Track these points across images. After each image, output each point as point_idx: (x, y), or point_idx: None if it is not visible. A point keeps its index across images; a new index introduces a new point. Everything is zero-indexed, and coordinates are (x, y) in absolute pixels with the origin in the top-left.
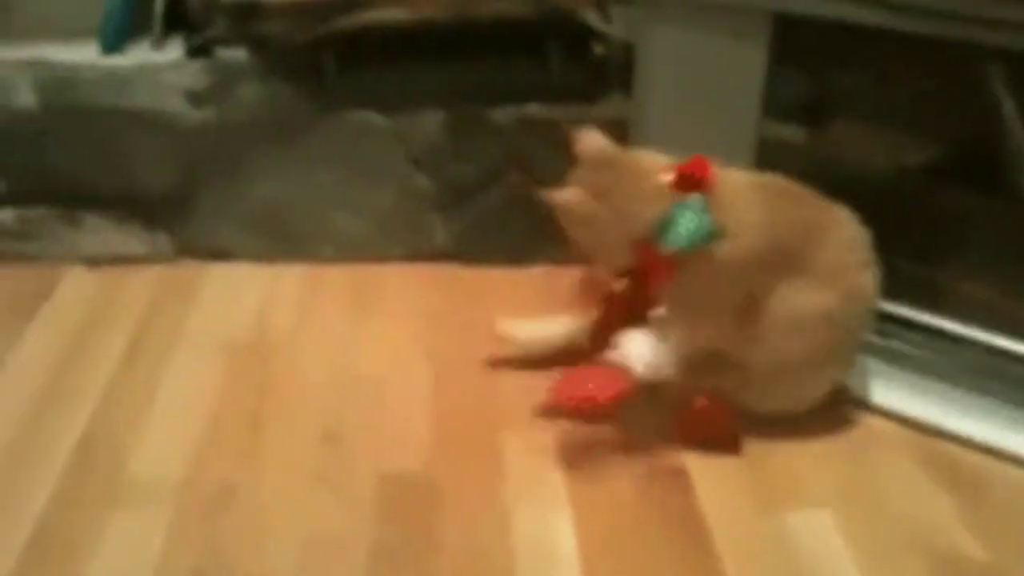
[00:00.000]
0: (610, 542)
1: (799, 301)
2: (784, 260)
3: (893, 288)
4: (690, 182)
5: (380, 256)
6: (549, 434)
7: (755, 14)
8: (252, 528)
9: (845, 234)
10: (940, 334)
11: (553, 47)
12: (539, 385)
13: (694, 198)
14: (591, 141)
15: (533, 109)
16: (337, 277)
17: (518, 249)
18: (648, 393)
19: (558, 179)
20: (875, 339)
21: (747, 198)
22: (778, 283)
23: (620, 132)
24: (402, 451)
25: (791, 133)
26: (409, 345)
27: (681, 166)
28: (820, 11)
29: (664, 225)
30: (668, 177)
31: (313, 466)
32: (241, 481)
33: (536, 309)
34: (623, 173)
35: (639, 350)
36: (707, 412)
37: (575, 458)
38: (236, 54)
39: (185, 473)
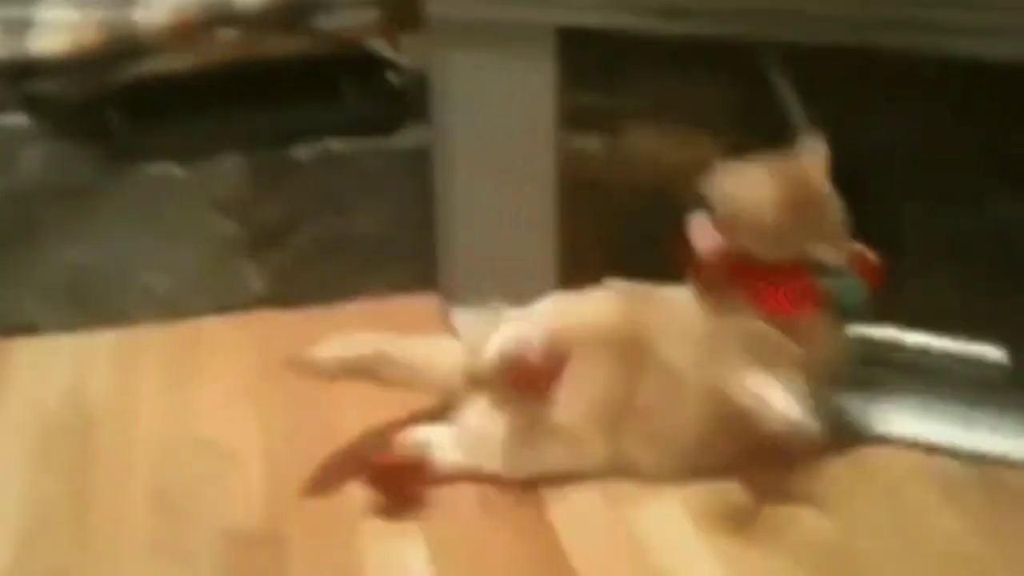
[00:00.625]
0: (466, 570)
1: None
2: None
3: None
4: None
5: (196, 312)
6: None
7: (539, 29)
8: None
9: None
10: None
11: (347, 81)
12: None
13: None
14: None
15: (334, 145)
16: (153, 340)
17: (335, 286)
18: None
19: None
20: None
21: None
22: None
23: (423, 162)
24: (242, 507)
25: (590, 144)
26: (236, 401)
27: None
28: (600, 22)
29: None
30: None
31: (147, 534)
32: (73, 562)
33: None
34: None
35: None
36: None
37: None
38: (16, 119)
39: (11, 563)
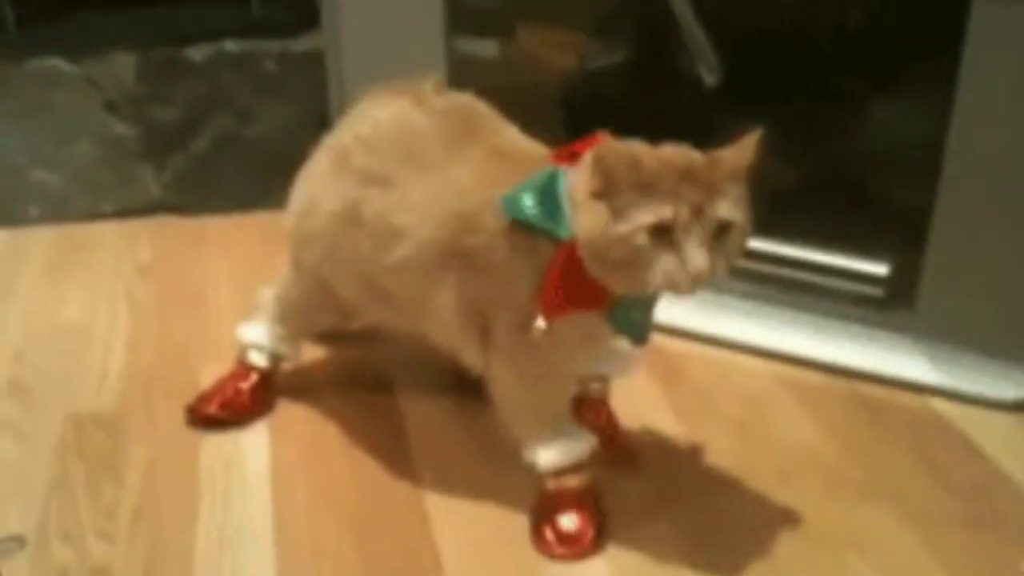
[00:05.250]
0: (306, 459)
1: None
2: None
3: None
4: None
5: (91, 213)
6: None
7: None
8: None
9: None
10: None
11: None
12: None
13: None
14: None
15: (231, 46)
16: (42, 239)
17: (236, 196)
18: None
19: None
20: None
21: None
22: None
23: (321, 66)
24: (92, 394)
25: (482, 47)
26: (111, 297)
27: None
28: None
29: None
30: None
31: None
32: None
33: (256, 256)
34: None
35: None
36: None
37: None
38: None
39: None
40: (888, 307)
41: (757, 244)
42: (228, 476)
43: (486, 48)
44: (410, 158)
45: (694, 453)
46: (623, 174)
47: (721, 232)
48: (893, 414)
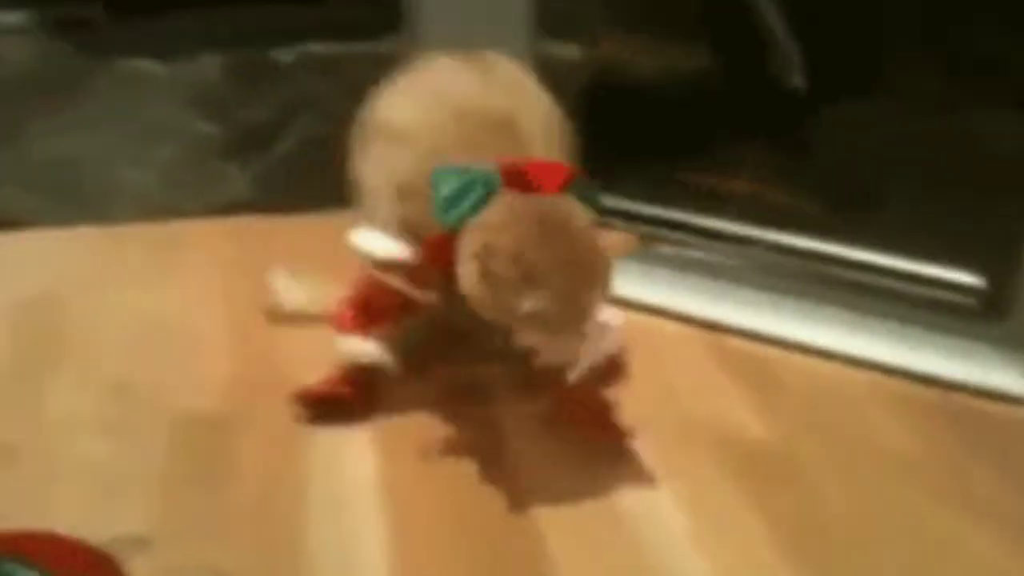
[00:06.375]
0: (411, 466)
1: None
2: None
3: (672, 195)
4: None
5: (177, 211)
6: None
7: None
8: (37, 484)
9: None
10: (722, 235)
11: None
12: None
13: None
14: None
15: (315, 47)
16: (134, 236)
17: (319, 195)
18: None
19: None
20: (663, 248)
21: None
22: None
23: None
24: (198, 393)
25: (567, 51)
26: (208, 296)
27: None
28: None
29: None
30: None
31: (102, 416)
32: (24, 439)
33: (344, 257)
34: None
35: None
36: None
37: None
38: (2, 14)
39: None
40: (983, 318)
41: (852, 253)
42: (336, 482)
43: (568, 51)
44: None
45: (788, 459)
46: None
47: None
48: (987, 425)
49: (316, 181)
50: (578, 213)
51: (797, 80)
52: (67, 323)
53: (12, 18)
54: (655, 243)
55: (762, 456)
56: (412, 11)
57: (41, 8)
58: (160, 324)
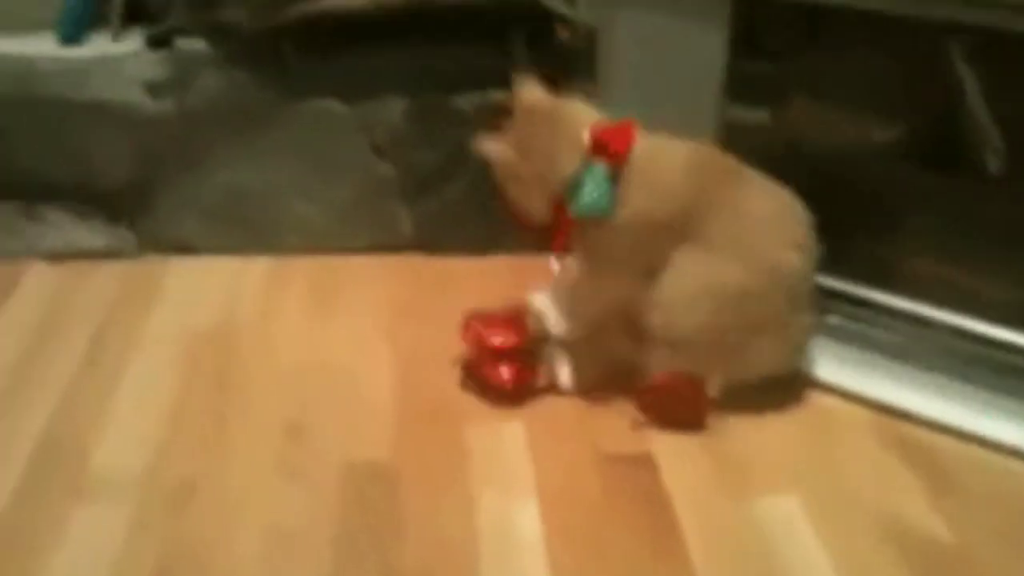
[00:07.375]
0: (574, 527)
1: (695, 272)
2: (682, 229)
3: (854, 268)
4: (602, 148)
5: (345, 247)
6: (513, 423)
7: None
8: (214, 520)
9: (764, 211)
10: (900, 314)
11: (515, 32)
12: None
13: (600, 166)
14: (526, 92)
15: (496, 95)
16: (301, 268)
17: (483, 238)
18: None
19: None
20: (835, 320)
21: (663, 166)
22: (673, 251)
23: None
24: (367, 441)
25: (754, 115)
26: (374, 336)
27: (599, 130)
28: None
29: (573, 187)
30: (587, 135)
31: (276, 457)
32: (203, 474)
33: (501, 299)
34: (547, 125)
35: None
36: (670, 388)
37: (539, 444)
38: (196, 44)
39: (147, 468)
40: None
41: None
42: (502, 538)
43: (757, 116)
44: None
45: (960, 559)
46: None
47: None
48: None
49: (482, 225)
50: None
51: (993, 163)
52: (239, 358)
53: (203, 48)
54: (829, 315)
55: (945, 560)
56: (602, 67)
57: (233, 43)
58: (329, 365)
